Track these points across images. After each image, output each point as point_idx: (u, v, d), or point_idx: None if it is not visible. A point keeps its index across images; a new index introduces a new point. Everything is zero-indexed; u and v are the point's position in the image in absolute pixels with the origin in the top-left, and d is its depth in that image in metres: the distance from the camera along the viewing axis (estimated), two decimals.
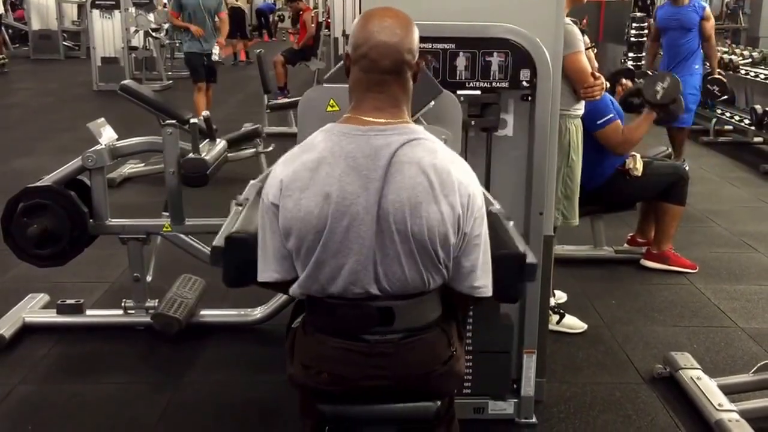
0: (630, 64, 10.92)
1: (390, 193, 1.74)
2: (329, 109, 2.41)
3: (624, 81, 4.69)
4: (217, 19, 8.90)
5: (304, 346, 1.92)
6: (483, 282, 1.87)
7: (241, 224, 2.05)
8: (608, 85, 4.07)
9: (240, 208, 2.24)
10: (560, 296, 4.15)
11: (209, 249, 3.78)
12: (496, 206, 2.18)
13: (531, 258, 1.96)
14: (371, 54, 1.78)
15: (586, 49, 3.92)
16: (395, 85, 1.82)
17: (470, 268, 1.84)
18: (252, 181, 2.37)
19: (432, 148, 1.80)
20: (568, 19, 3.50)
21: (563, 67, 2.96)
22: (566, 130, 3.62)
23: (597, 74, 3.71)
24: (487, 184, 2.86)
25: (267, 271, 1.87)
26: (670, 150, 5.45)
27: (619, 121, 4.25)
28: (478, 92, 2.74)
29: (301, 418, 2.04)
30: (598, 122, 4.17)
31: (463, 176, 1.81)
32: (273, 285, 1.91)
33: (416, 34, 1.85)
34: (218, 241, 2.03)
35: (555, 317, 3.78)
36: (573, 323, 3.87)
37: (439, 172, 1.76)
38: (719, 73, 7.61)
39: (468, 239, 1.82)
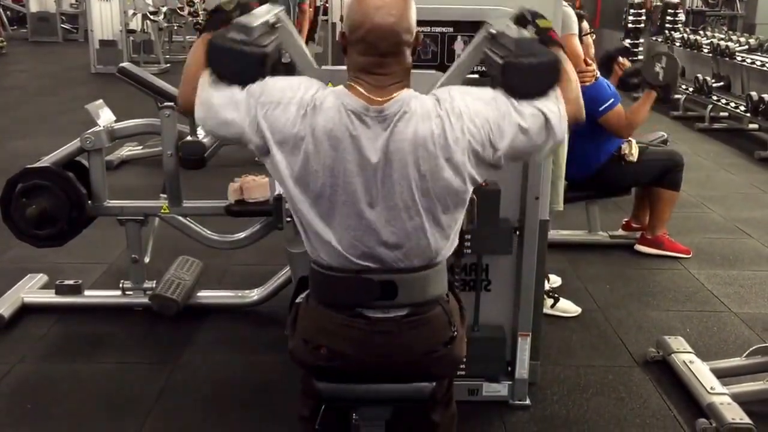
0: (627, 42, 10.91)
1: (394, 158, 1.74)
2: None
3: (621, 60, 4.69)
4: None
5: (306, 320, 1.92)
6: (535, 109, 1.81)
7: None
8: (597, 72, 4.08)
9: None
10: (554, 280, 4.18)
11: (207, 231, 3.83)
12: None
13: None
14: (368, 38, 1.75)
15: (585, 34, 3.93)
16: (395, 65, 1.79)
17: (522, 122, 1.80)
18: None
19: (419, 105, 1.77)
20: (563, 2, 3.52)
21: None
22: None
23: (589, 61, 3.73)
24: None
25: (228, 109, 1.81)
26: (666, 136, 5.45)
27: (620, 105, 4.28)
28: (476, 76, 2.75)
29: (300, 399, 2.05)
30: (600, 109, 4.19)
31: (444, 95, 1.80)
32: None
33: (413, 10, 1.81)
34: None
35: (549, 301, 3.81)
36: (567, 307, 3.90)
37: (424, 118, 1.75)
38: None
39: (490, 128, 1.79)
